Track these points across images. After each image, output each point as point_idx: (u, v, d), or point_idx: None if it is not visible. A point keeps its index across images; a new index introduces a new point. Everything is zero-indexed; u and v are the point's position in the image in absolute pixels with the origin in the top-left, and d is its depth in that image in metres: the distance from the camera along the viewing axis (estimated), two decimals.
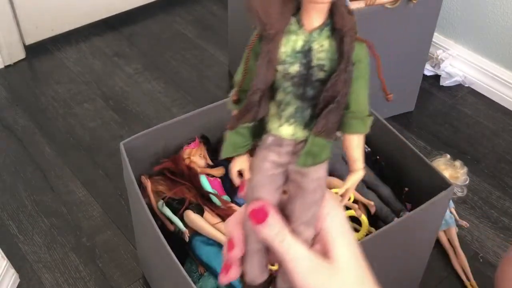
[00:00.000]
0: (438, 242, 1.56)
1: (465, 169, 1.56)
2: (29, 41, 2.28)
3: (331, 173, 1.36)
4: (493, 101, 2.09)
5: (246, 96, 0.60)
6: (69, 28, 2.35)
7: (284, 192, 0.60)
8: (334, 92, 0.54)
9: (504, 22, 1.98)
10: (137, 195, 1.19)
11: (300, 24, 0.56)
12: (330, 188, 1.29)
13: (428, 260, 1.41)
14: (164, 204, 1.33)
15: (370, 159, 1.42)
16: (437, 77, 2.17)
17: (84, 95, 2.11)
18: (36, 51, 2.29)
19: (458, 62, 2.16)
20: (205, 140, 1.44)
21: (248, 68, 0.60)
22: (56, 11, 2.27)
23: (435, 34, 1.93)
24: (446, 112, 2.05)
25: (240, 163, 0.64)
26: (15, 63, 2.24)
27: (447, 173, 1.52)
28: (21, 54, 2.26)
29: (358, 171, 0.64)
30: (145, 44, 2.35)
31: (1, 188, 1.77)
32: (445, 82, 2.15)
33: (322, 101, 0.55)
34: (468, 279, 1.51)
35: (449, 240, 1.57)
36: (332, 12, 0.55)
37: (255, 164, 0.63)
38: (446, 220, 1.55)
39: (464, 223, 1.60)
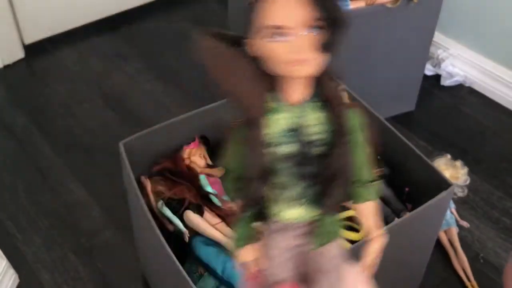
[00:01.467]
0: (438, 243, 1.56)
1: (465, 169, 1.55)
2: (28, 40, 2.27)
3: None
4: (494, 101, 2.08)
5: (242, 184, 0.58)
6: (68, 27, 2.35)
7: None
8: (338, 166, 0.52)
9: (505, 22, 1.98)
10: (136, 195, 1.19)
11: (281, 100, 0.54)
12: None
13: (429, 261, 1.40)
14: (163, 204, 1.32)
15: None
16: (438, 76, 2.16)
17: (83, 95, 2.10)
18: (35, 50, 2.28)
19: (459, 61, 2.15)
20: (204, 140, 1.44)
21: (236, 152, 0.58)
22: (56, 11, 2.27)
23: (436, 33, 1.92)
24: (447, 112, 2.05)
25: (249, 253, 0.63)
26: (14, 63, 2.24)
27: (447, 173, 1.51)
28: (20, 54, 2.25)
29: (379, 239, 0.64)
30: (145, 44, 2.34)
31: (0, 188, 1.77)
32: (446, 82, 2.14)
33: (326, 177, 0.53)
34: (469, 280, 1.50)
35: (449, 240, 1.57)
36: (317, 82, 0.53)
37: (265, 252, 0.61)
38: (447, 220, 1.55)
39: (464, 223, 1.60)
